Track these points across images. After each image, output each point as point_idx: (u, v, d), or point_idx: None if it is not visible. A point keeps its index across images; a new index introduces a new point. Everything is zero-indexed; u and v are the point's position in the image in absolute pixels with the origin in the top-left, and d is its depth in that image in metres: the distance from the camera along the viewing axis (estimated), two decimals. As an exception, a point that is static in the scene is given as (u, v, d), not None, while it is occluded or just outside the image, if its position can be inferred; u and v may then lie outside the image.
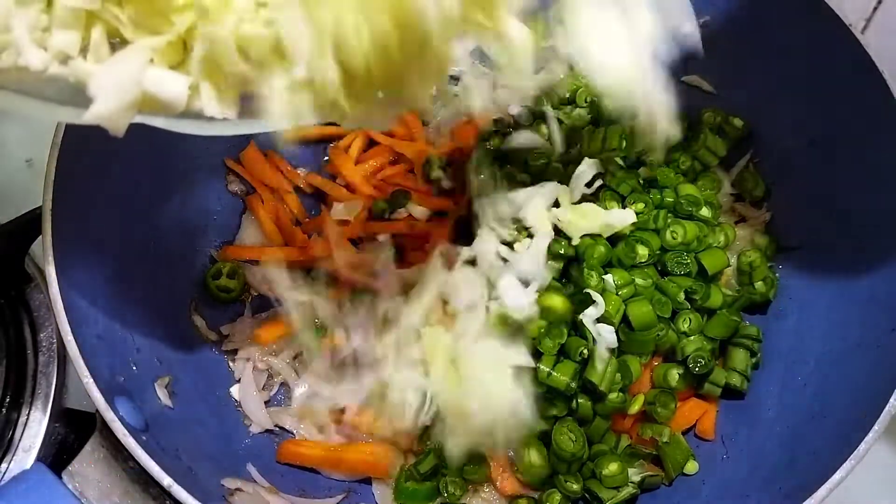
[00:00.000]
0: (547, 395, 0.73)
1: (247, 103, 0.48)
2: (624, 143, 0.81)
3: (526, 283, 0.74)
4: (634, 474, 0.74)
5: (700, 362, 0.75)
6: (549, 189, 0.78)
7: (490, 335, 0.71)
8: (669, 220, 0.79)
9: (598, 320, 0.72)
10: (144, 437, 0.63)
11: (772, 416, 0.77)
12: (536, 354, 0.72)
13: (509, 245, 0.76)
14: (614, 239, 0.77)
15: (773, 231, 0.85)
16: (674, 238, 0.79)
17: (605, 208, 0.78)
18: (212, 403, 0.79)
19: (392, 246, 0.82)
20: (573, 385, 0.71)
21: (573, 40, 0.54)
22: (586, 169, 0.79)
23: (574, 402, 0.73)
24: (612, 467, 0.72)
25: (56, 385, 0.79)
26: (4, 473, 0.74)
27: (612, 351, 0.72)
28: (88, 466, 0.68)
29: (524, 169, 0.83)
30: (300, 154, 0.95)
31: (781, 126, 0.85)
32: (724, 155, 0.87)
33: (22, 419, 0.77)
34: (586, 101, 0.88)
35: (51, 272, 0.64)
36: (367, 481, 0.78)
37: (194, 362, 0.80)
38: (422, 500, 0.75)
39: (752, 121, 0.88)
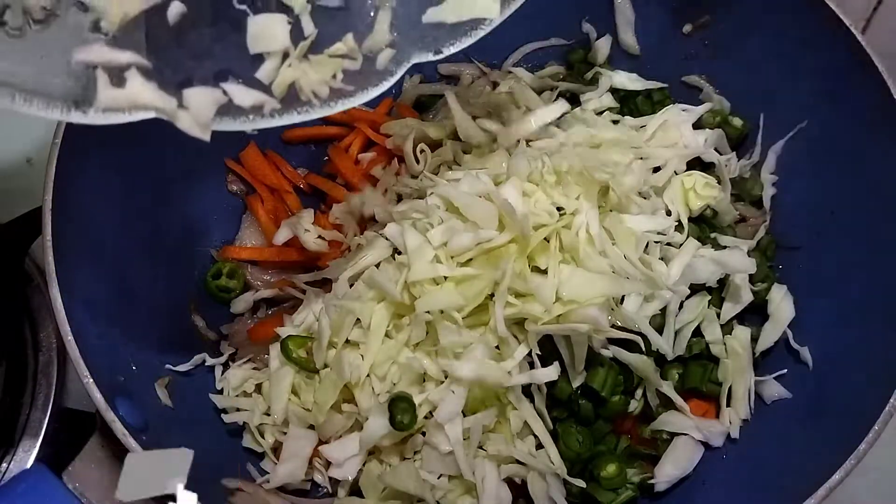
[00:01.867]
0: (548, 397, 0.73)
1: None
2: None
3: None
4: (633, 475, 0.74)
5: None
6: None
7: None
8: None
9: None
10: (144, 437, 0.63)
11: (771, 417, 0.77)
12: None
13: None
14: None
15: (773, 231, 0.85)
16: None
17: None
18: (212, 404, 0.79)
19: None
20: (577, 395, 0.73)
21: None
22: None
23: (576, 404, 0.73)
24: (611, 468, 0.72)
25: (56, 385, 0.79)
26: (4, 473, 0.75)
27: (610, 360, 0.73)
28: (88, 466, 0.68)
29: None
30: (300, 154, 0.95)
31: (781, 126, 0.85)
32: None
33: (22, 419, 0.77)
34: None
35: (51, 272, 0.65)
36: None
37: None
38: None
39: (752, 121, 0.88)
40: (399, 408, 0.68)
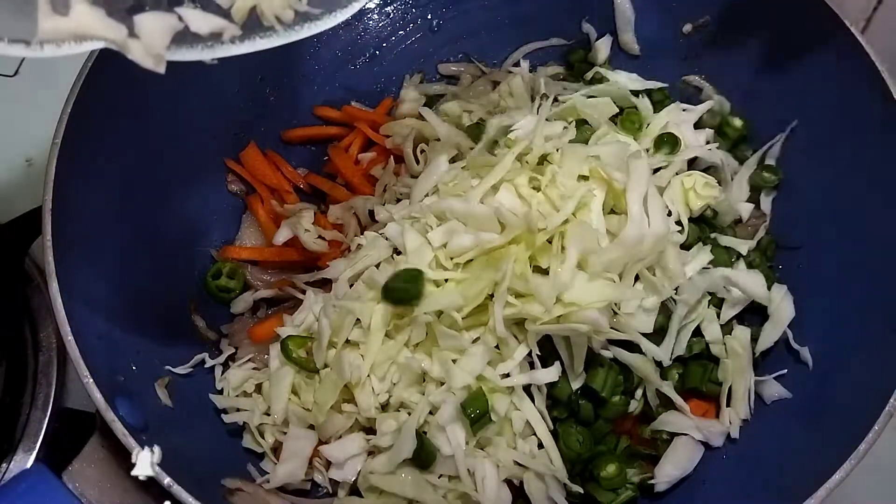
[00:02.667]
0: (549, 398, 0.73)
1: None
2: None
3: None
4: (633, 475, 0.74)
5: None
6: None
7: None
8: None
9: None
10: (144, 437, 0.63)
11: (771, 417, 0.77)
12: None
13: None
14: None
15: (773, 231, 0.85)
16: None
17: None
18: (212, 404, 0.79)
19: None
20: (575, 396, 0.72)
21: None
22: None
23: (576, 405, 0.73)
24: (611, 468, 0.72)
25: (56, 385, 0.79)
26: (4, 473, 0.75)
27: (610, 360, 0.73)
28: (88, 466, 0.68)
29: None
30: (300, 154, 0.95)
31: (780, 126, 0.85)
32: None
33: (22, 419, 0.77)
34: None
35: (51, 272, 0.65)
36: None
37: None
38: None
39: (751, 121, 0.88)
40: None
